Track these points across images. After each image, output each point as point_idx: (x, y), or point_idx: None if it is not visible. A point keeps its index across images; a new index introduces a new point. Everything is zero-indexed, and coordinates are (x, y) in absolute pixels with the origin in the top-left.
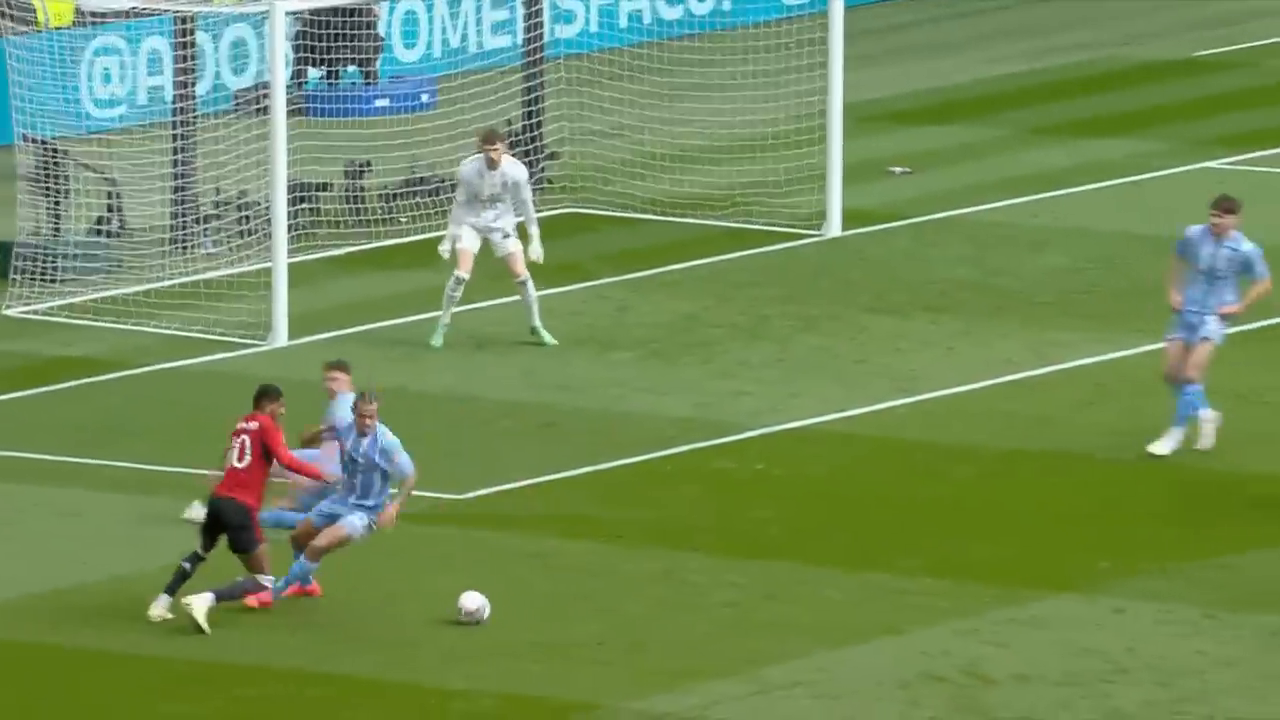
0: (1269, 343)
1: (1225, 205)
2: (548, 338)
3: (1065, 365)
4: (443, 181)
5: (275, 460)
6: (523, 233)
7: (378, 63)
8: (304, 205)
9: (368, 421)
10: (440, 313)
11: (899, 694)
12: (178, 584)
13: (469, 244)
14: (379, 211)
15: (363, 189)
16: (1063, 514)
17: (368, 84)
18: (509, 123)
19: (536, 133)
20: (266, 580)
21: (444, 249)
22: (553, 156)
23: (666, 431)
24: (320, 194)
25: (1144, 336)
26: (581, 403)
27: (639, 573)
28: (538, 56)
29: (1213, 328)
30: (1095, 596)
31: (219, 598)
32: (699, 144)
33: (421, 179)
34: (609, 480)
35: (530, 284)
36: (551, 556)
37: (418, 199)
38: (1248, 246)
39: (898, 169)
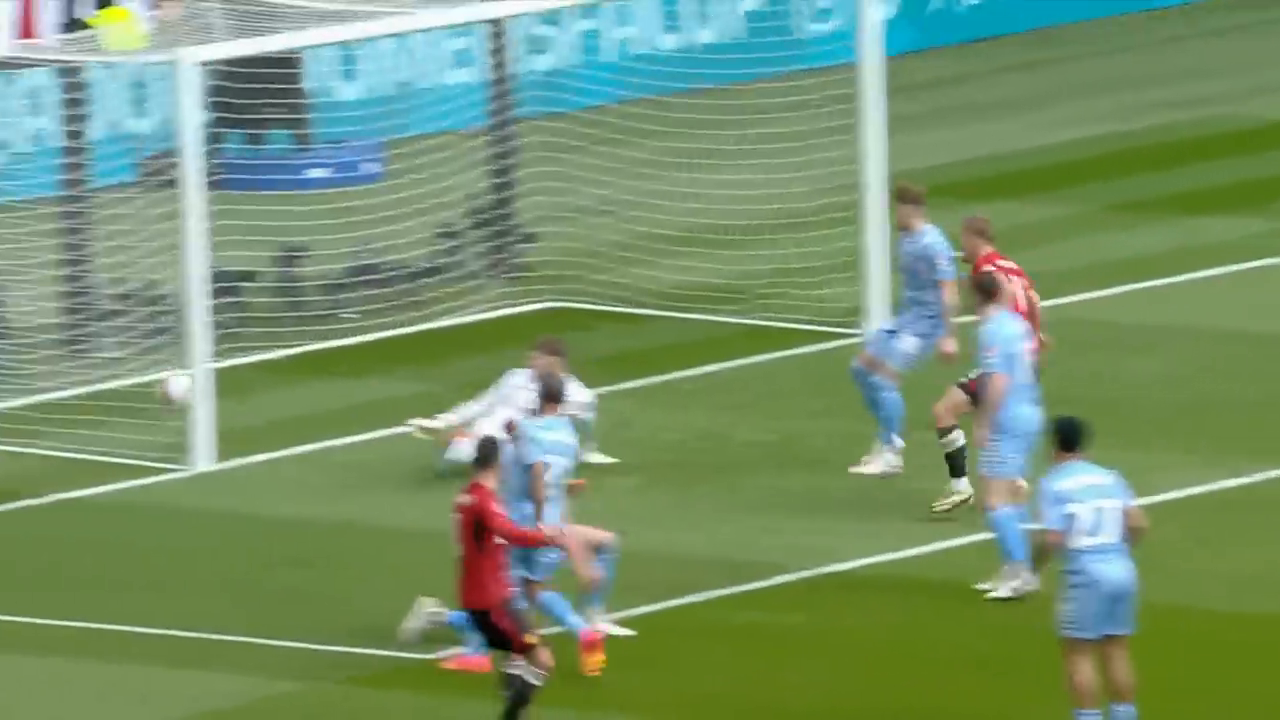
0: None
1: None
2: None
3: (1169, 495)
4: (395, 270)
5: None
6: None
7: (311, 124)
8: (227, 298)
9: None
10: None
11: None
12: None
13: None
14: (319, 306)
15: (298, 278)
16: (1194, 681)
17: (300, 149)
18: (472, 198)
19: (508, 209)
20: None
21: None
22: (529, 239)
23: (680, 575)
24: (246, 284)
25: (1267, 460)
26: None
27: None
28: (508, 116)
29: None
30: None
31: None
32: (707, 223)
33: (369, 265)
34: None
35: None
36: None
37: (366, 290)
38: None
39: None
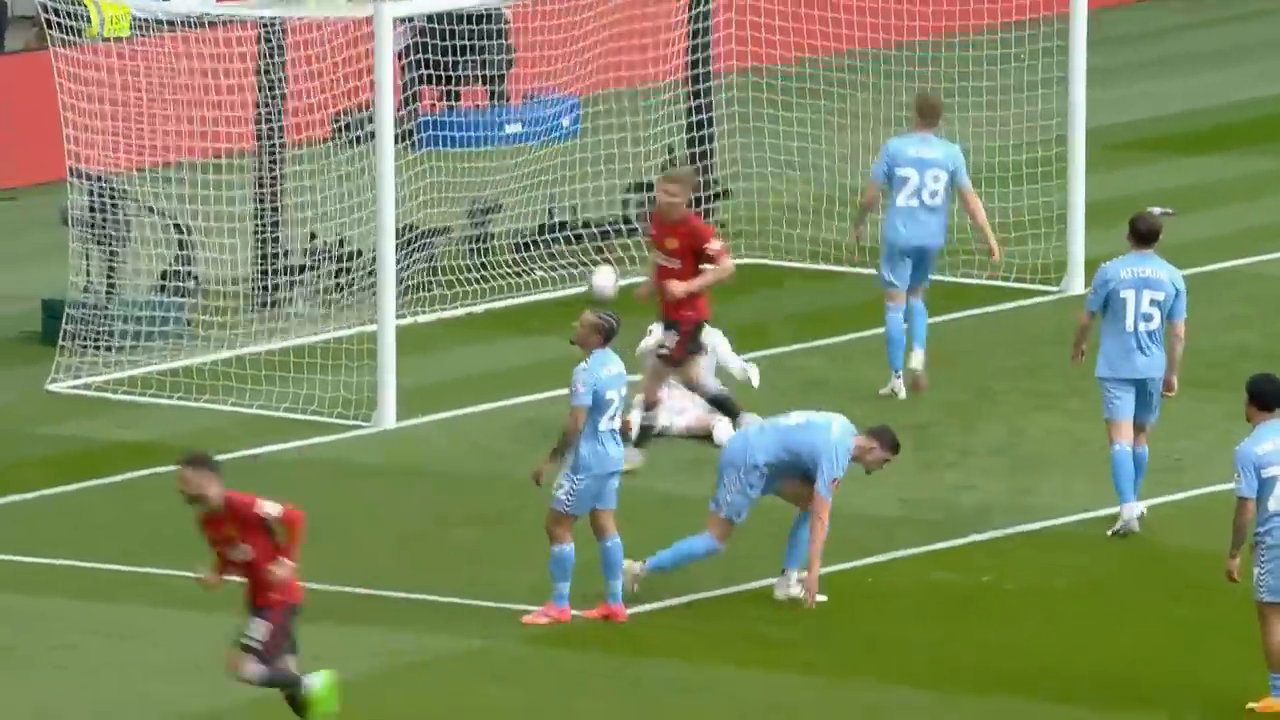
0: None
1: None
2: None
3: None
4: (587, 226)
5: None
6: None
7: (509, 80)
8: (417, 255)
9: None
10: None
11: None
12: None
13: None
14: (510, 263)
15: (490, 235)
16: None
17: (496, 106)
18: (669, 150)
19: (704, 164)
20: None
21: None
22: (724, 195)
23: (870, 535)
24: (437, 241)
25: None
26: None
27: (838, 710)
28: (705, 70)
29: None
30: None
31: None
32: None
33: (562, 223)
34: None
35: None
36: (722, 687)
37: (557, 247)
38: None
39: (1158, 210)
